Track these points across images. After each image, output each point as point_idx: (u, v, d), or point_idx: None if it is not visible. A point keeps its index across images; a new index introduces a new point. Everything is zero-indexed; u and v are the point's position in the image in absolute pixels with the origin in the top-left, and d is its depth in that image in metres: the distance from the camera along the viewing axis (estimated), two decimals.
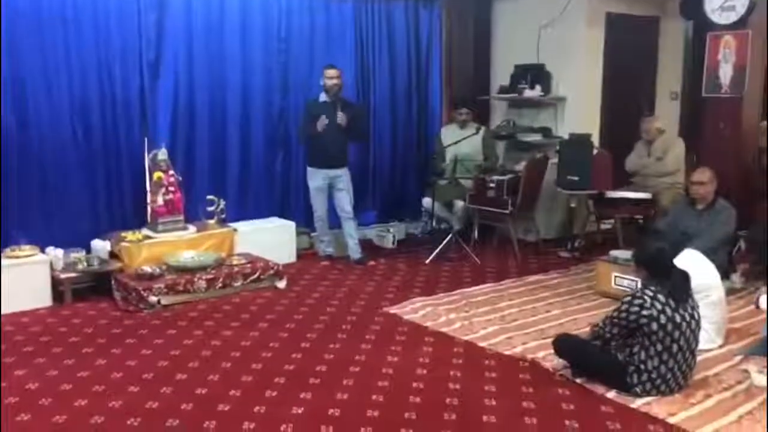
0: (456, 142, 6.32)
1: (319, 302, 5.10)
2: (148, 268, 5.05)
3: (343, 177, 6.01)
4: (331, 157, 5.93)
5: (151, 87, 5.67)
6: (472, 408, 3.44)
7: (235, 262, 5.43)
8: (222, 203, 5.81)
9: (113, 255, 5.26)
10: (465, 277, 5.74)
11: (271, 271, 5.42)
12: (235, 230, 5.81)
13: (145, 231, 5.47)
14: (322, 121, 5.77)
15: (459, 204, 6.40)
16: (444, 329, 4.51)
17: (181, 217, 5.59)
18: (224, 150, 6.13)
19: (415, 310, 4.88)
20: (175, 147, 5.79)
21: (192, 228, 5.64)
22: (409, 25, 7.10)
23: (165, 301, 4.88)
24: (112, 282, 5.05)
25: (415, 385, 3.69)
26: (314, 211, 6.10)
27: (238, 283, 5.25)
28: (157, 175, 5.44)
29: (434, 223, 6.53)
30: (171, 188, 5.50)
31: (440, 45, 7.34)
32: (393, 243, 6.75)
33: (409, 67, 7.16)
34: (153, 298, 4.82)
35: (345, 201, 6.05)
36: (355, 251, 6.11)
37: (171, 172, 5.52)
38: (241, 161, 6.23)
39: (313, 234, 6.49)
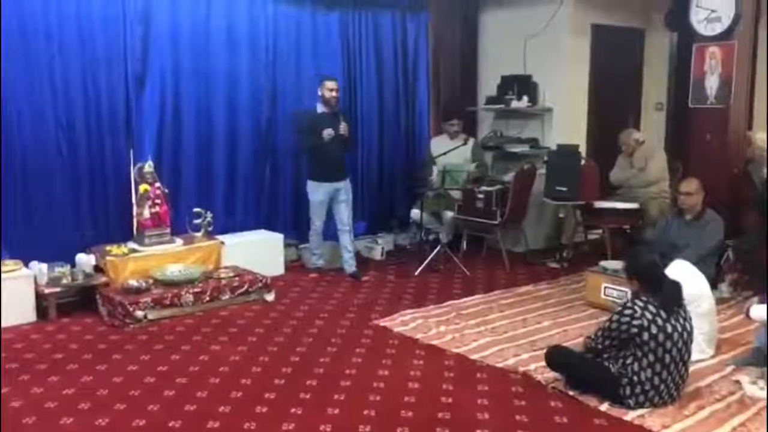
0: (445, 153, 6.32)
1: (308, 315, 5.06)
2: (134, 282, 4.98)
3: (344, 189, 5.94)
4: (335, 169, 5.85)
5: (136, 99, 5.61)
6: (465, 422, 3.41)
7: (222, 275, 5.36)
8: (209, 215, 5.76)
9: (98, 269, 5.18)
10: (455, 289, 5.72)
11: (260, 284, 5.37)
12: (222, 243, 5.75)
13: (131, 244, 5.41)
14: (329, 132, 5.66)
15: (448, 215, 6.40)
16: (435, 342, 4.48)
17: (168, 230, 5.52)
18: (211, 162, 6.08)
19: (405, 322, 4.85)
20: (161, 159, 5.74)
21: (179, 241, 5.57)
22: (396, 36, 7.12)
23: (152, 315, 4.81)
24: (98, 296, 4.99)
25: (406, 399, 3.66)
26: (312, 223, 6.00)
27: (225, 297, 5.19)
28: (143, 187, 5.39)
29: (423, 234, 6.51)
30: (157, 201, 5.43)
31: (427, 55, 7.36)
32: (381, 254, 6.73)
33: (396, 77, 7.16)
34: (139, 313, 4.76)
35: (345, 213, 5.97)
36: (350, 264, 6.06)
37: (157, 184, 5.46)
38: (227, 173, 6.19)
39: (301, 246, 6.45)
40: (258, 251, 5.92)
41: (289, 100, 6.38)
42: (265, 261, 5.87)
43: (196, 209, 5.75)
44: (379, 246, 6.75)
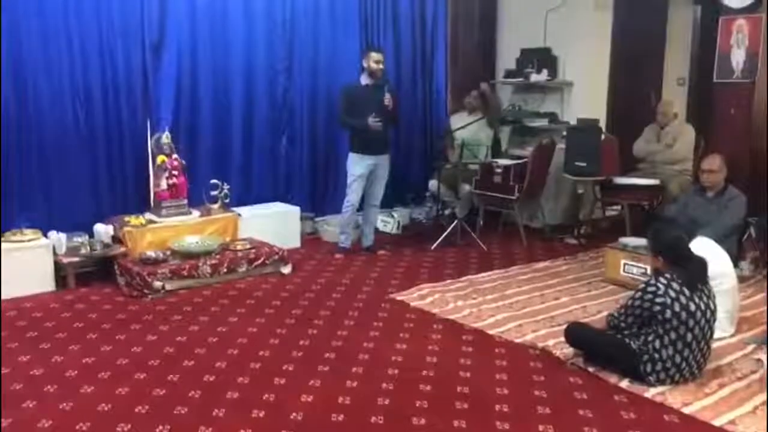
0: (463, 127, 6.27)
1: (325, 288, 5.05)
2: (152, 253, 5.00)
3: (384, 163, 5.83)
4: (378, 142, 5.69)
5: (153, 69, 5.56)
6: (484, 397, 3.40)
7: (239, 248, 5.35)
8: (226, 187, 5.73)
9: (116, 239, 5.18)
10: (472, 264, 5.69)
11: (276, 257, 5.36)
12: (239, 215, 5.73)
13: (149, 215, 5.41)
14: (376, 125, 5.54)
15: (465, 188, 6.34)
16: (452, 316, 4.47)
17: (185, 202, 5.52)
18: (228, 133, 6.04)
19: (423, 296, 4.83)
20: (178, 130, 5.71)
21: (195, 213, 5.57)
22: (414, 8, 7.02)
23: (169, 286, 4.82)
24: (116, 267, 4.99)
25: (425, 373, 3.65)
26: (347, 199, 5.79)
27: (242, 269, 5.20)
28: (160, 158, 5.38)
29: (439, 208, 6.44)
30: (174, 172, 5.43)
31: (445, 28, 7.25)
32: (398, 228, 6.69)
33: (414, 49, 7.07)
34: (157, 284, 4.77)
35: (380, 189, 5.87)
36: (369, 239, 6.01)
37: (174, 155, 5.44)
38: (244, 144, 6.15)
39: (318, 218, 6.42)
40: (274, 224, 5.91)
41: (306, 71, 6.33)
42: (282, 234, 5.87)
43: (213, 181, 5.72)
44: (395, 220, 6.71)
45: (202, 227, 5.48)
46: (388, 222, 6.71)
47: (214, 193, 5.70)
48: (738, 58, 5.73)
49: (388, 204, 6.87)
